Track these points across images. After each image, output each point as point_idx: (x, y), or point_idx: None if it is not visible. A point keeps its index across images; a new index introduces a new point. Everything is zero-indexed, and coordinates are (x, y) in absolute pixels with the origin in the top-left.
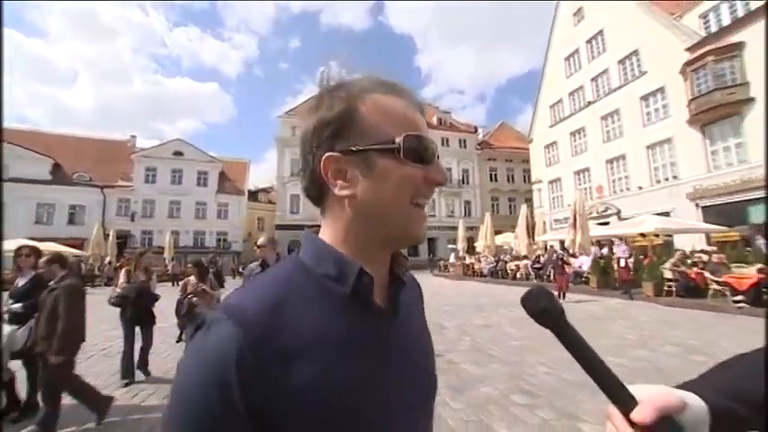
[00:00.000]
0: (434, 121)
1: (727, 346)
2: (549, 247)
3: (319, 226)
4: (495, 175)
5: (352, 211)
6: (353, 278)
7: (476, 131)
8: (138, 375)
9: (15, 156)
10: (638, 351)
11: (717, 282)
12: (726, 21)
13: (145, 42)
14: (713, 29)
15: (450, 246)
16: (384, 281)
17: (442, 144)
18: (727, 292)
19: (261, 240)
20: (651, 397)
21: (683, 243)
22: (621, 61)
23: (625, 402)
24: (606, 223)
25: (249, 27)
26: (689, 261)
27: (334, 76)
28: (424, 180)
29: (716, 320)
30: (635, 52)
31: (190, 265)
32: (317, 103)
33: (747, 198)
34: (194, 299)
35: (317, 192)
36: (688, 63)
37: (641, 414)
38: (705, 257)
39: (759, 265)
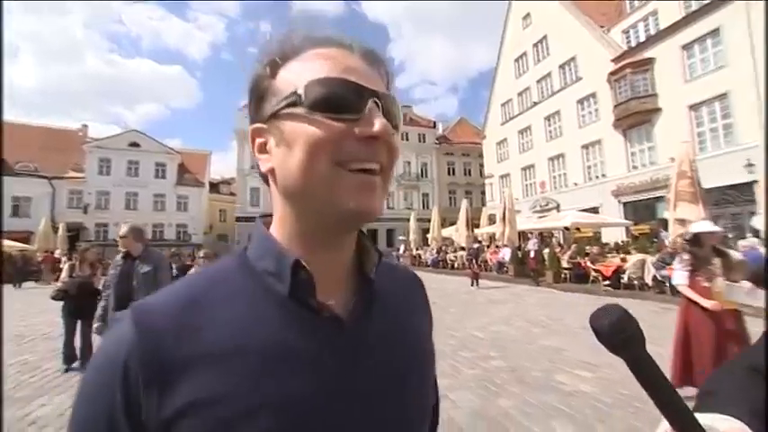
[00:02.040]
0: (407, 117)
1: (570, 322)
2: (476, 240)
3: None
4: (453, 169)
5: (278, 188)
6: (288, 273)
7: (434, 126)
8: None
9: None
10: (496, 327)
11: (594, 269)
12: (642, 37)
13: (98, 18)
14: (633, 43)
15: (401, 237)
16: (343, 279)
17: (403, 139)
18: (600, 278)
19: (122, 230)
20: None
21: (609, 236)
22: (562, 66)
23: None
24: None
25: (216, 8)
26: (584, 253)
27: (270, 43)
28: (346, 135)
29: (585, 301)
30: (573, 59)
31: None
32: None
33: (656, 195)
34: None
35: (261, 173)
36: (612, 73)
37: None
38: (596, 249)
39: (622, 255)
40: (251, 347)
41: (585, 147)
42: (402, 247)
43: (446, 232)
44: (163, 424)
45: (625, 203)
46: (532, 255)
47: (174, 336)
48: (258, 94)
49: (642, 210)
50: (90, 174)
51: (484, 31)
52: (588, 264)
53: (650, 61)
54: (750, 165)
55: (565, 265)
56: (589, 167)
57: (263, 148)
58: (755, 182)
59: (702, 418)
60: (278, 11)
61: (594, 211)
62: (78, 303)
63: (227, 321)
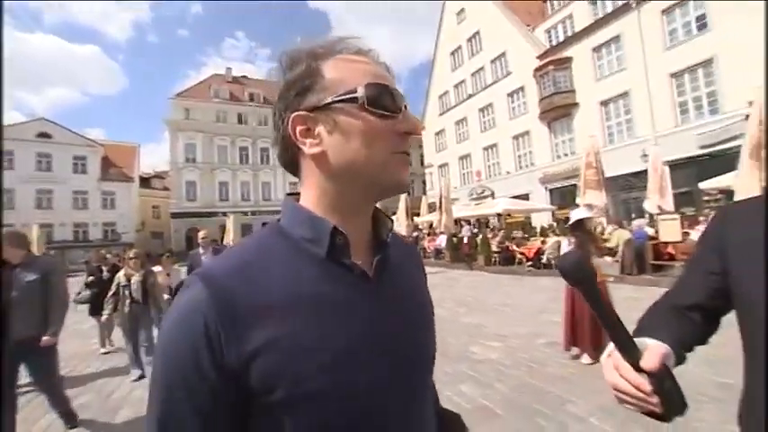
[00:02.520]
0: None
1: (493, 301)
2: (416, 228)
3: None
4: None
5: (323, 168)
6: (327, 238)
7: None
8: None
9: None
10: None
11: (519, 252)
12: (561, 37)
13: None
14: (554, 42)
15: None
16: (366, 242)
17: None
18: (524, 260)
19: None
20: (653, 349)
21: (538, 221)
22: (493, 61)
23: (634, 353)
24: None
25: None
26: (511, 237)
27: (298, 46)
28: (393, 130)
29: (509, 281)
30: (503, 54)
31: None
32: (283, 69)
33: (576, 182)
34: None
35: (291, 157)
36: (537, 69)
37: (649, 363)
38: (519, 233)
39: (542, 238)
40: (301, 298)
41: (516, 137)
42: None
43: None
44: (242, 363)
45: (551, 190)
46: (466, 240)
47: (240, 292)
48: (303, 87)
49: (566, 195)
50: None
51: (426, 21)
52: (514, 247)
53: (569, 60)
54: (644, 155)
55: (495, 249)
56: (520, 157)
57: (307, 134)
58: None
59: (636, 340)
60: None
61: (525, 197)
62: None
63: (278, 278)
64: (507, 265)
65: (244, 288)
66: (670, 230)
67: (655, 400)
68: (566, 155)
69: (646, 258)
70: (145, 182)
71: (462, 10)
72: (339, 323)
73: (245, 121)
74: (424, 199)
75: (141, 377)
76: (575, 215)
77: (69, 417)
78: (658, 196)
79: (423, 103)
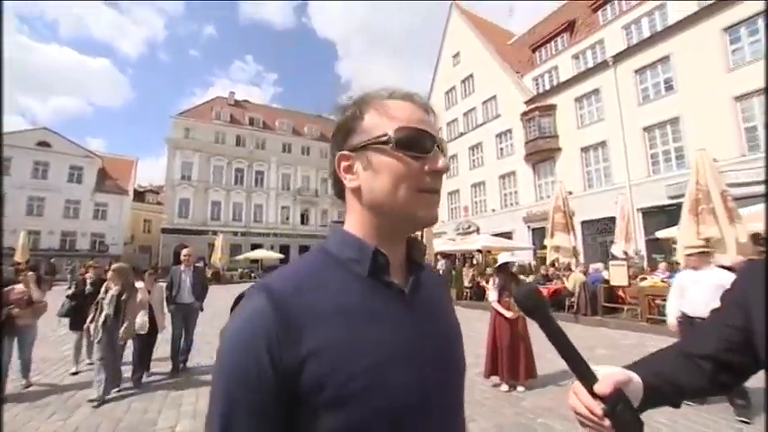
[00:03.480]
0: (317, 133)
1: None
2: None
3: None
4: None
5: (360, 201)
6: (369, 258)
7: None
8: None
9: None
10: None
11: (487, 287)
12: (548, 86)
13: None
14: (541, 90)
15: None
16: (402, 264)
17: (303, 153)
18: None
19: None
20: (608, 374)
21: (521, 258)
22: (485, 103)
23: (589, 379)
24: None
25: (155, 3)
26: (483, 273)
27: (353, 95)
28: (420, 169)
29: (477, 315)
30: (494, 97)
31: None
32: (337, 114)
33: None
34: (15, 310)
35: (339, 189)
36: (524, 114)
37: (602, 387)
38: (489, 270)
39: None
40: (347, 308)
41: (502, 177)
42: None
43: None
44: (297, 365)
45: (534, 229)
46: (441, 274)
47: (295, 302)
48: (347, 129)
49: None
50: None
51: (426, 56)
52: (484, 283)
53: (553, 107)
54: (615, 203)
55: (467, 284)
56: (505, 195)
57: (348, 170)
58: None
59: (593, 368)
60: (222, 13)
61: (509, 234)
62: None
63: (327, 291)
64: (478, 300)
65: (298, 299)
66: (618, 275)
67: (607, 423)
68: (548, 196)
69: (599, 300)
70: (139, 195)
71: (458, 53)
72: (382, 331)
73: (242, 144)
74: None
75: (101, 402)
76: (500, 259)
77: None
78: (624, 242)
79: None
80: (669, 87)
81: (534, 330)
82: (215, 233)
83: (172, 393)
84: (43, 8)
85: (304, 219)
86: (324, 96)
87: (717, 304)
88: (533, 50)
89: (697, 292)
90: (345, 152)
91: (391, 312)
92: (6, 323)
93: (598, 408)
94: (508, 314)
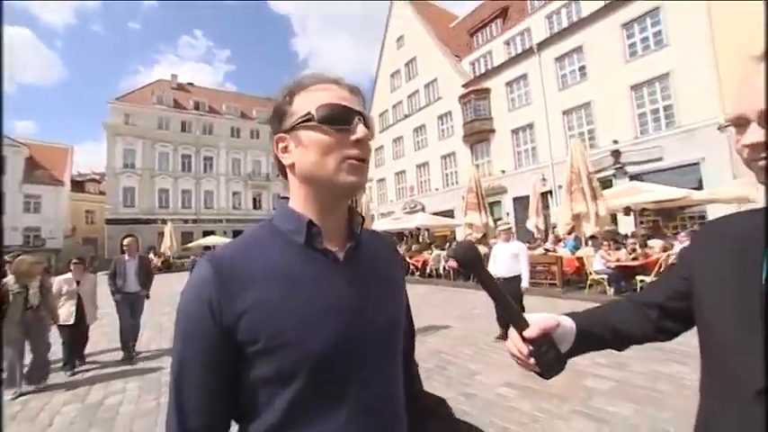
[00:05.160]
0: (266, 116)
1: None
2: None
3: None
4: None
5: (296, 176)
6: (304, 229)
7: None
8: None
9: None
10: None
11: (412, 263)
12: (483, 70)
13: None
14: (477, 74)
15: None
16: (341, 232)
17: (253, 137)
18: (415, 270)
19: None
20: (537, 320)
21: (461, 235)
22: (427, 86)
23: (521, 325)
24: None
25: None
26: (411, 250)
27: (285, 83)
28: (344, 140)
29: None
30: (435, 80)
31: None
32: (275, 100)
33: (492, 201)
34: None
35: (280, 168)
36: (461, 96)
37: (530, 332)
38: (414, 247)
39: (429, 251)
40: (281, 273)
41: (444, 157)
42: None
43: None
44: (234, 320)
45: None
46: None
47: (236, 268)
48: (280, 114)
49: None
50: None
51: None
52: (408, 259)
53: (488, 90)
54: (543, 179)
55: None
56: (447, 175)
57: (285, 150)
58: (549, 192)
59: (525, 315)
60: None
61: (450, 212)
62: None
63: (265, 259)
64: (406, 275)
65: (237, 265)
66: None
67: (532, 361)
68: (484, 175)
69: None
70: (78, 185)
71: (402, 36)
72: (309, 293)
73: (188, 129)
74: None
75: (21, 395)
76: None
77: None
78: (536, 217)
79: None
80: (583, 74)
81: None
82: (164, 221)
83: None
84: None
85: (256, 203)
86: (281, 75)
87: (513, 267)
88: (471, 35)
89: (501, 259)
90: (281, 134)
91: (324, 276)
92: None
93: (525, 349)
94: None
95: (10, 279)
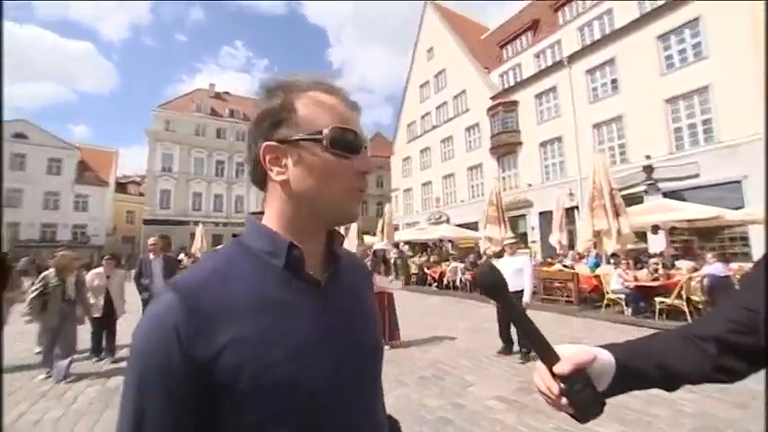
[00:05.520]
0: None
1: None
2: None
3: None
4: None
5: (286, 194)
6: (285, 252)
7: None
8: None
9: None
10: None
11: (430, 275)
12: (512, 82)
13: None
14: (506, 86)
15: None
16: (321, 256)
17: None
18: (433, 281)
19: None
20: (571, 353)
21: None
22: (455, 97)
23: (550, 358)
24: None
25: None
26: (429, 261)
27: (277, 77)
28: (349, 169)
29: (412, 297)
30: (463, 92)
31: None
32: (261, 99)
33: (518, 214)
34: None
35: (260, 176)
36: (489, 108)
37: (560, 367)
38: (432, 258)
39: (446, 263)
40: (260, 303)
41: (471, 169)
42: None
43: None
44: (209, 358)
45: None
46: (392, 262)
47: (205, 298)
48: (278, 119)
49: (511, 225)
50: None
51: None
52: (426, 270)
53: (516, 103)
54: (571, 194)
55: (414, 270)
56: (473, 187)
57: (275, 162)
58: (576, 208)
59: (556, 347)
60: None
61: (475, 225)
62: None
63: (239, 286)
64: (422, 285)
65: (208, 294)
66: None
67: (564, 402)
68: (511, 188)
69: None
70: (121, 187)
71: (432, 48)
72: (295, 324)
73: (223, 136)
74: (380, 221)
75: (49, 376)
76: (376, 246)
77: None
78: (558, 232)
79: (394, 129)
80: (615, 87)
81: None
82: (196, 223)
83: None
84: None
85: None
86: None
87: (516, 282)
88: (501, 47)
89: (504, 273)
90: (273, 143)
91: (305, 305)
92: None
93: (556, 387)
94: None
95: (51, 272)
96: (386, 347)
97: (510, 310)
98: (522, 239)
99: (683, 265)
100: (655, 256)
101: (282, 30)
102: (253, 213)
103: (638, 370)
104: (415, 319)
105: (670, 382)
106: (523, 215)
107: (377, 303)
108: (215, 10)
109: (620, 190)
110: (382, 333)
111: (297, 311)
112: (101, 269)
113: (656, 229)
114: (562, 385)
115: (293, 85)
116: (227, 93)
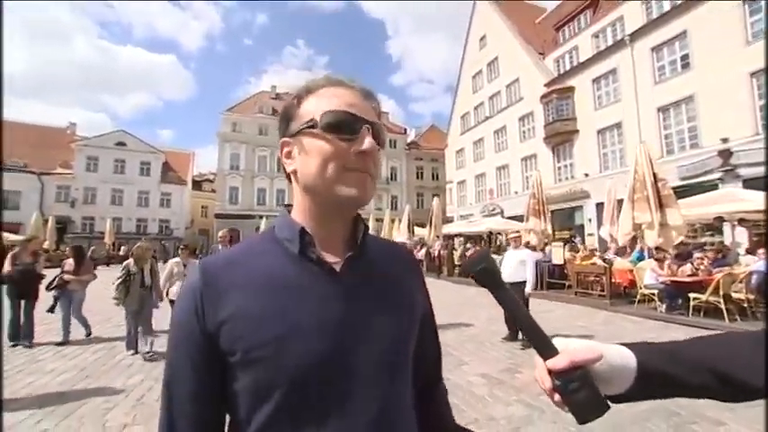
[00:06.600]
0: None
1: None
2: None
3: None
4: (422, 173)
5: (298, 184)
6: (298, 238)
7: (405, 133)
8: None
9: None
10: None
11: None
12: (568, 67)
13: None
14: (561, 71)
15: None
16: (342, 242)
17: None
18: None
19: None
20: (570, 349)
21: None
22: (508, 86)
23: (547, 352)
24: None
25: None
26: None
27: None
28: (348, 150)
29: (456, 288)
30: (517, 80)
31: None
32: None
33: (573, 206)
34: (66, 276)
35: (285, 172)
36: (543, 96)
37: (553, 362)
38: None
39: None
40: (273, 283)
41: (524, 159)
42: None
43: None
44: (215, 329)
45: (552, 211)
46: (437, 254)
47: (222, 276)
48: (287, 118)
49: (564, 217)
50: (78, 170)
51: None
52: None
53: (571, 89)
54: (625, 186)
55: (457, 262)
56: (527, 178)
57: (288, 155)
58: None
59: (556, 341)
60: (274, 2)
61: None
62: (22, 288)
63: (258, 267)
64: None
65: (226, 271)
66: (556, 255)
67: (557, 398)
68: (566, 178)
69: (543, 277)
70: (197, 185)
71: (484, 36)
72: (294, 305)
73: None
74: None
75: (135, 353)
76: (398, 239)
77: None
78: (609, 225)
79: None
80: (686, 65)
81: None
82: (261, 217)
83: None
84: (119, 13)
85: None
86: (374, 78)
87: (520, 273)
88: (557, 29)
89: (508, 265)
90: (286, 138)
91: (315, 287)
92: (57, 285)
93: (548, 382)
94: None
95: (130, 262)
96: None
97: (501, 299)
98: (578, 231)
99: (749, 260)
100: (708, 247)
101: (341, 25)
102: (285, 205)
103: (673, 375)
104: (442, 308)
105: (731, 392)
106: (580, 206)
107: None
108: (278, 9)
109: (690, 178)
110: None
111: (306, 293)
112: (178, 258)
113: (720, 220)
114: (557, 382)
115: (307, 85)
116: (286, 93)
